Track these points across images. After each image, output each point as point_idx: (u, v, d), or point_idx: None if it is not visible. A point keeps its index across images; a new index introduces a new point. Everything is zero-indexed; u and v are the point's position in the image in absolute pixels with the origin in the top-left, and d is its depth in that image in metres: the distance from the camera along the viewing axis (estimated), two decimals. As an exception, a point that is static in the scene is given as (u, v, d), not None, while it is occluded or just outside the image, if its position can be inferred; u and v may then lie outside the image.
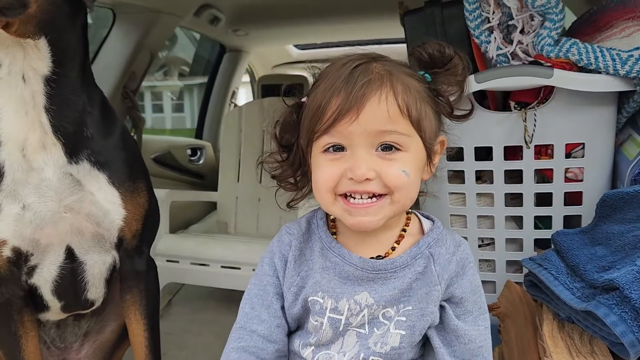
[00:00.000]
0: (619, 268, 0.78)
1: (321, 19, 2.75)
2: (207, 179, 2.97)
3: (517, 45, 1.17)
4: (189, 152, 2.95)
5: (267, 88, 3.29)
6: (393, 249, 0.79)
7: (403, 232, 0.80)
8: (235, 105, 3.35)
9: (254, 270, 2.00)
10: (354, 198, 0.71)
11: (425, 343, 0.81)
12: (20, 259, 1.02)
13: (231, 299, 2.14)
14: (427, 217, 0.84)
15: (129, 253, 1.12)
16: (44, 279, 1.07)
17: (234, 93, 3.33)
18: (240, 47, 3.20)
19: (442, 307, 0.77)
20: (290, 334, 0.84)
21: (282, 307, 0.82)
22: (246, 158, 2.47)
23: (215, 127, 3.24)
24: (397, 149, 0.70)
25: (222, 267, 1.89)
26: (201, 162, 3.00)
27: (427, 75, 0.77)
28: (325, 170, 0.72)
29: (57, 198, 0.98)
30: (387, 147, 0.70)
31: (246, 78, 3.64)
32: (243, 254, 1.88)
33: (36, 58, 0.93)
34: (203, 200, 2.62)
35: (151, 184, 1.16)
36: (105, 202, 1.03)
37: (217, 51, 3.25)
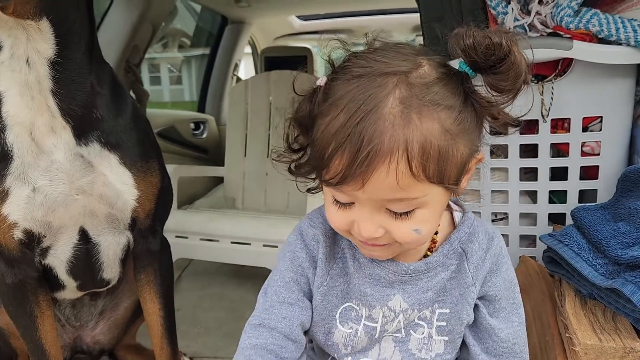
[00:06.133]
0: (644, 245, 0.77)
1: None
2: (210, 153, 2.95)
3: (535, 16, 1.14)
4: (192, 126, 2.92)
5: (270, 60, 3.24)
6: (425, 256, 0.73)
7: (433, 244, 0.74)
8: (238, 78, 3.30)
9: (263, 245, 1.96)
10: None
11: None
12: (32, 241, 1.02)
13: (240, 273, 2.15)
14: (457, 205, 0.78)
15: (143, 233, 1.11)
16: (59, 259, 1.07)
17: (236, 65, 3.28)
18: (242, 18, 3.13)
19: (475, 305, 0.74)
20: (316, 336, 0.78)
21: (306, 306, 0.75)
22: (253, 132, 2.44)
23: (217, 100, 3.20)
24: (410, 210, 0.61)
25: (232, 242, 1.89)
26: (204, 135, 2.97)
27: (470, 72, 0.62)
28: (334, 216, 0.66)
29: (68, 180, 0.97)
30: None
31: (247, 49, 3.57)
32: (253, 229, 1.87)
33: (40, 40, 0.88)
34: (210, 175, 2.61)
35: (163, 162, 1.14)
36: (117, 183, 1.01)
37: (218, 23, 3.18)
